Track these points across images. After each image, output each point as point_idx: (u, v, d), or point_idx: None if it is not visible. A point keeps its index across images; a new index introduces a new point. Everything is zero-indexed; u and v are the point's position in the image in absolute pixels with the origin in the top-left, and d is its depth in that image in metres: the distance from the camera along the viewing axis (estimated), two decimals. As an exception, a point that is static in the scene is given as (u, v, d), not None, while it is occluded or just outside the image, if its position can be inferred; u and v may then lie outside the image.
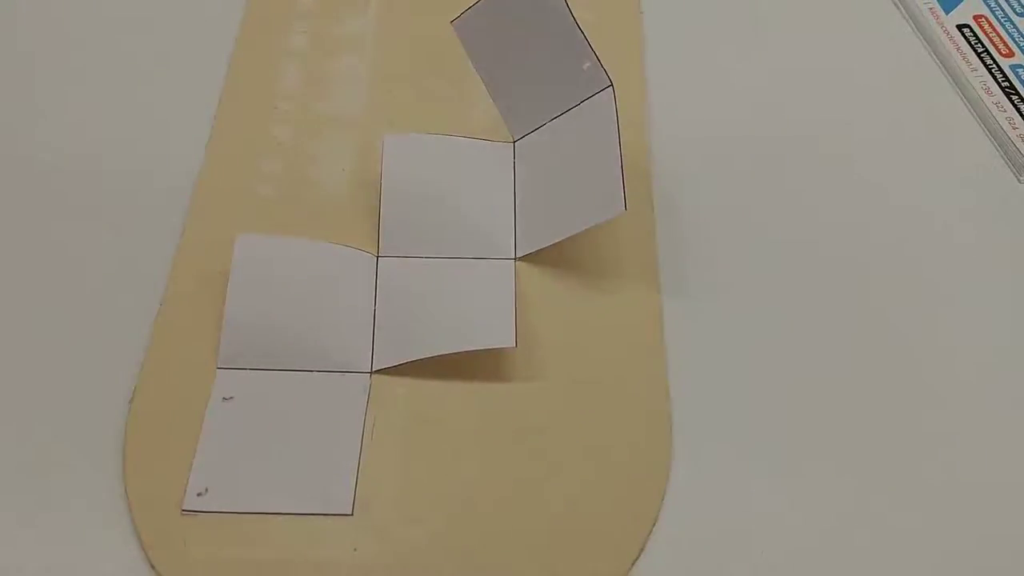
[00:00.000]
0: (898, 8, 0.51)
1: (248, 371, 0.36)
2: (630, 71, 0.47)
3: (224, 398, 0.36)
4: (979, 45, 0.48)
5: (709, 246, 0.42)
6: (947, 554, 0.34)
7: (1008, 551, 0.34)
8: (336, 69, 0.47)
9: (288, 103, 0.45)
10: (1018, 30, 0.49)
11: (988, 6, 0.50)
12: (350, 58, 0.47)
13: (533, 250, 0.40)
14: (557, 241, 0.39)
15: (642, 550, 0.33)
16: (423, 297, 0.38)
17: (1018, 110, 0.46)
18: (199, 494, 0.33)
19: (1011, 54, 0.48)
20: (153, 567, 0.32)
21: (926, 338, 0.39)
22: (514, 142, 0.41)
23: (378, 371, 0.37)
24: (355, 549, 0.33)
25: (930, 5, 0.50)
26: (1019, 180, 0.44)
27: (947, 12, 0.50)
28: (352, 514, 0.33)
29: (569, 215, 0.39)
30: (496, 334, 0.36)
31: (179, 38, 0.48)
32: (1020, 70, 0.47)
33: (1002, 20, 0.49)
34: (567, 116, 0.39)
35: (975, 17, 0.50)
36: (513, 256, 0.40)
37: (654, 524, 0.34)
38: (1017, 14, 0.50)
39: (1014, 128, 0.45)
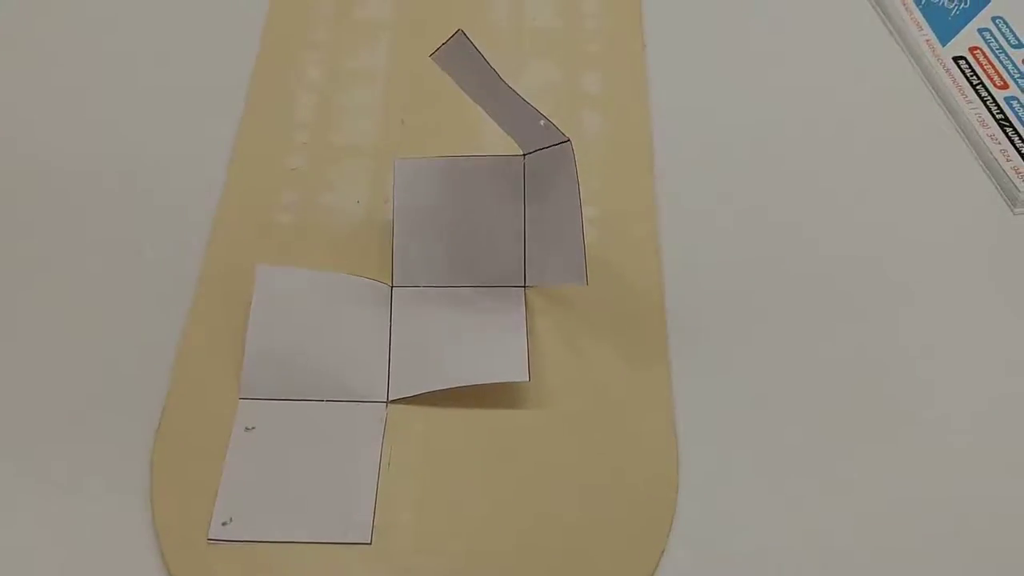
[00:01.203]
0: (895, 39, 0.52)
1: (269, 401, 0.38)
2: (635, 91, 0.49)
3: (246, 428, 0.37)
4: (974, 77, 0.50)
5: (714, 276, 0.43)
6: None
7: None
8: (350, 100, 0.48)
9: (304, 134, 0.46)
10: (1013, 62, 0.50)
11: (983, 38, 0.51)
12: (364, 89, 0.48)
13: (537, 284, 0.41)
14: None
15: (650, 578, 0.35)
16: (437, 328, 0.39)
17: (1012, 142, 0.47)
18: (224, 523, 0.35)
19: (1006, 86, 0.49)
20: (180, 594, 0.34)
21: (923, 368, 0.40)
22: (524, 156, 0.41)
23: (394, 400, 0.38)
24: (374, 577, 0.34)
25: (926, 36, 0.51)
26: (1013, 211, 0.45)
27: (943, 44, 0.51)
28: (370, 543, 0.35)
29: (551, 264, 0.40)
30: (510, 369, 0.38)
31: (197, 71, 0.49)
32: (1014, 102, 0.48)
33: (997, 52, 0.51)
34: (541, 155, 0.39)
35: (971, 49, 0.51)
36: (523, 284, 0.41)
37: (663, 552, 0.35)
38: (1012, 46, 0.51)
39: (1008, 160, 0.46)
